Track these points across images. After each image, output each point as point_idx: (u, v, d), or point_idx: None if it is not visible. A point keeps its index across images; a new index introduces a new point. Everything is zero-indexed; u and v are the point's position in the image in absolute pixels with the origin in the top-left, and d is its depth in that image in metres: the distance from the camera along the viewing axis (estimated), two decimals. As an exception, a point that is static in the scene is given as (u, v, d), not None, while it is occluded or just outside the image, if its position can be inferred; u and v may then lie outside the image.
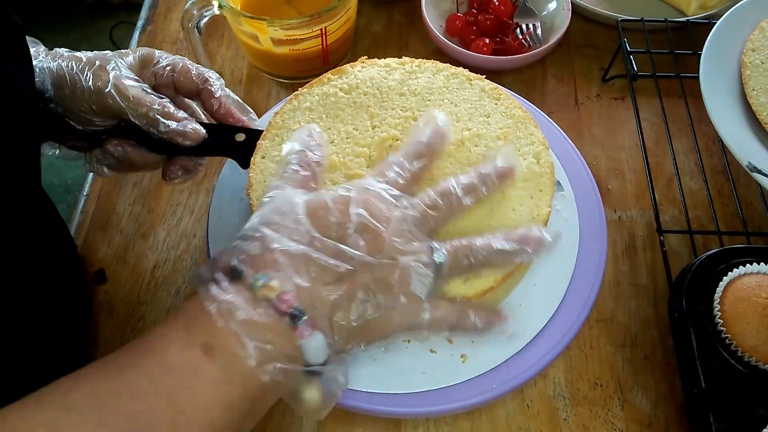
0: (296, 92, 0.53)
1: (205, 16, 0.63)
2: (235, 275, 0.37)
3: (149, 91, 0.48)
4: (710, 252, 0.52)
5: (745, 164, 0.54)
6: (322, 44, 0.65)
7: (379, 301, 0.39)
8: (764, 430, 0.44)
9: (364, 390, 0.46)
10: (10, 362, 0.47)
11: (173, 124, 0.47)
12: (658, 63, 0.65)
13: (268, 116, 0.58)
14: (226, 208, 0.55)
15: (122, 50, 0.50)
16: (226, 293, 0.36)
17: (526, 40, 0.71)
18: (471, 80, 0.53)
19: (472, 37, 0.71)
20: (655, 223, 0.57)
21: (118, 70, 0.47)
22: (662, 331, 0.55)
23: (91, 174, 0.65)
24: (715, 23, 0.62)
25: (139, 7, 0.80)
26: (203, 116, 0.52)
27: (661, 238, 0.56)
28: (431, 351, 0.47)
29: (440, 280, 0.40)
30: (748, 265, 0.49)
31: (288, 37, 0.63)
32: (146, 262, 0.59)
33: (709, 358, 0.47)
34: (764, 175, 0.53)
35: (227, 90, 0.52)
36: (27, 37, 0.48)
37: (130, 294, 0.57)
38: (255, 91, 0.71)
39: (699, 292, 0.50)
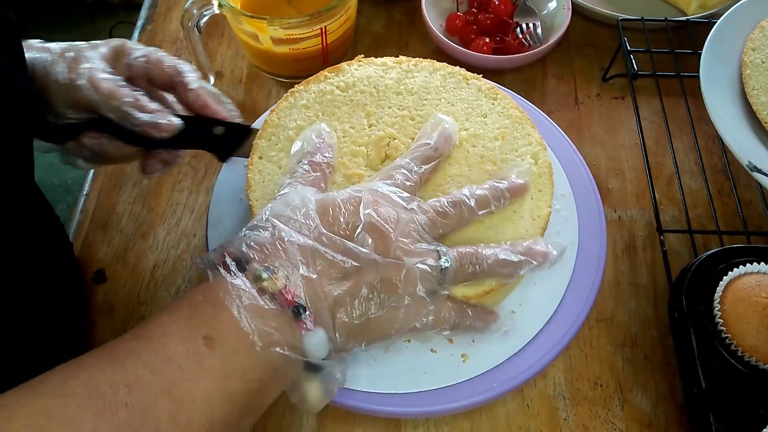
0: (292, 89, 0.53)
1: (205, 16, 0.62)
2: (242, 261, 0.38)
3: (123, 84, 0.47)
4: (710, 251, 0.52)
5: (745, 163, 0.54)
6: (322, 43, 0.65)
7: (383, 301, 0.39)
8: (764, 430, 0.44)
9: (365, 390, 0.46)
10: (10, 362, 0.47)
11: (146, 117, 0.46)
12: (659, 62, 0.65)
13: (266, 117, 0.58)
14: (226, 207, 0.55)
15: (95, 41, 0.49)
16: (234, 277, 0.37)
17: (526, 39, 0.71)
18: (468, 79, 0.53)
19: (472, 36, 0.71)
20: (655, 222, 0.57)
21: (92, 62, 0.46)
22: (662, 331, 0.54)
23: (91, 174, 0.65)
24: (716, 22, 0.62)
25: (139, 6, 0.80)
26: (179, 108, 0.51)
27: (661, 237, 0.56)
28: (432, 350, 0.47)
29: (445, 284, 0.41)
30: (748, 264, 0.49)
31: (288, 37, 0.63)
32: (146, 262, 0.59)
33: (709, 357, 0.47)
34: (764, 174, 0.53)
35: (203, 82, 0.51)
36: None
37: (130, 294, 0.57)
38: (255, 91, 0.71)
39: (699, 291, 0.50)
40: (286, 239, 0.38)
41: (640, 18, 0.68)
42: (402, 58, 0.55)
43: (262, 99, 0.70)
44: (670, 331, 0.53)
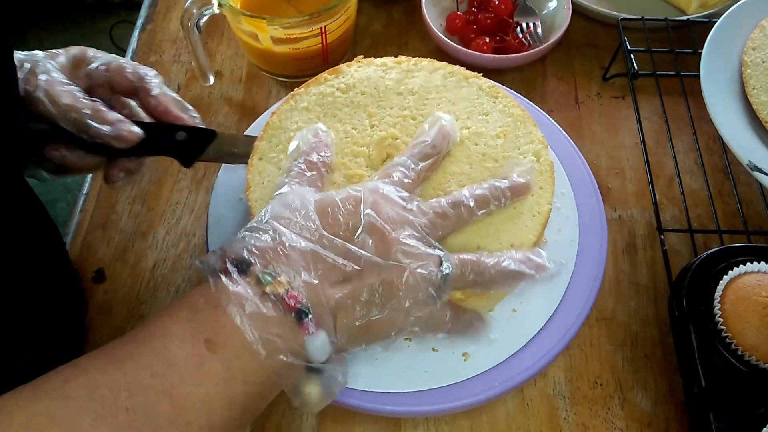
0: (293, 92, 0.53)
1: (204, 15, 0.62)
2: (243, 267, 0.37)
3: (80, 94, 0.45)
4: (710, 251, 0.52)
5: (745, 163, 0.54)
6: (322, 43, 0.65)
7: (384, 303, 0.39)
8: (764, 429, 0.44)
9: (365, 389, 0.46)
10: (10, 362, 0.47)
11: (106, 128, 0.45)
12: (659, 62, 0.65)
13: (265, 117, 0.58)
14: (225, 207, 0.55)
15: (53, 50, 0.48)
16: (236, 285, 0.36)
17: (526, 38, 0.71)
18: (468, 78, 0.53)
19: (472, 35, 0.71)
20: (656, 221, 0.57)
21: (49, 74, 0.45)
22: (662, 330, 0.54)
23: (90, 173, 0.65)
24: (716, 22, 0.62)
25: (138, 6, 0.80)
26: (142, 115, 0.50)
27: (662, 236, 0.56)
28: (433, 349, 0.47)
29: (445, 290, 0.41)
30: (748, 263, 0.49)
31: (288, 36, 0.63)
32: (146, 261, 0.59)
33: (709, 357, 0.47)
34: (765, 173, 0.53)
35: (165, 87, 0.50)
36: None
37: (130, 293, 0.57)
38: (255, 90, 0.71)
39: (699, 291, 0.50)
40: (287, 243, 0.38)
41: (640, 17, 0.68)
42: (401, 57, 0.55)
43: (262, 98, 0.70)
44: (670, 330, 0.53)
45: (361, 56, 0.55)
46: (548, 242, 0.52)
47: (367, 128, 0.50)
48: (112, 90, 0.50)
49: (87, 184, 0.64)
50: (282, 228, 0.39)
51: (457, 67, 0.54)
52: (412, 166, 0.45)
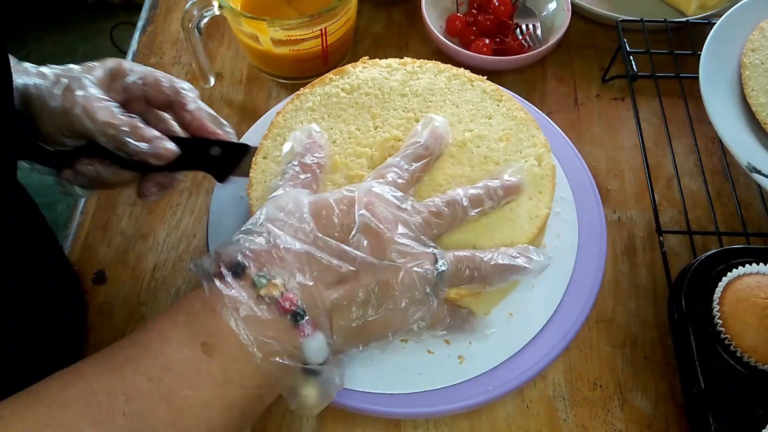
0: (298, 92, 0.53)
1: (205, 17, 0.63)
2: (238, 270, 0.37)
3: (118, 111, 0.45)
4: (710, 252, 0.52)
5: (744, 165, 0.54)
6: (322, 44, 0.65)
7: (380, 303, 0.39)
8: (764, 430, 0.44)
9: (365, 390, 0.46)
10: (10, 363, 0.47)
11: (143, 146, 0.45)
12: (658, 63, 0.65)
13: (269, 115, 0.58)
14: (226, 208, 0.55)
15: (90, 63, 0.48)
16: (230, 289, 0.36)
17: (525, 40, 0.71)
18: (472, 81, 0.53)
19: (472, 37, 0.71)
20: (655, 223, 0.57)
21: (86, 90, 0.45)
22: (662, 332, 0.55)
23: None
24: (715, 23, 0.62)
25: (139, 7, 0.80)
26: (177, 129, 0.50)
27: (661, 238, 0.56)
28: (429, 351, 0.47)
29: (441, 287, 0.41)
30: (747, 265, 0.49)
31: (288, 38, 0.63)
32: (146, 263, 0.59)
33: (708, 358, 0.47)
34: (764, 175, 0.53)
35: (200, 102, 0.50)
36: None
37: (130, 294, 0.57)
38: (255, 92, 0.71)
39: (698, 292, 0.50)
40: (281, 246, 0.38)
41: (639, 19, 0.68)
42: (407, 59, 0.55)
43: (263, 100, 0.71)
44: (669, 332, 0.53)
45: (366, 57, 0.55)
46: (547, 247, 0.52)
47: (371, 129, 0.51)
48: (147, 103, 0.50)
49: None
50: (276, 230, 0.39)
51: (461, 69, 0.54)
52: (406, 166, 0.45)
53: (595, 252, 0.52)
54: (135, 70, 0.49)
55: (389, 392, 0.46)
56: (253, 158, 0.50)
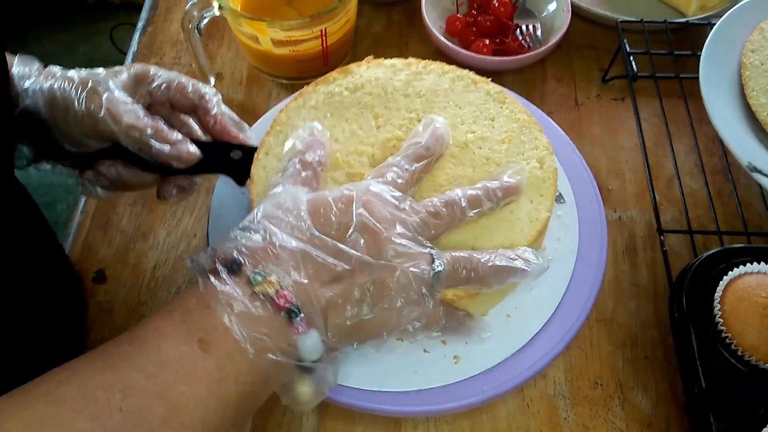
0: (301, 90, 0.53)
1: (205, 18, 0.63)
2: (234, 267, 0.37)
3: (142, 113, 0.46)
4: (710, 252, 0.52)
5: (745, 164, 0.54)
6: (322, 45, 0.65)
7: (376, 302, 0.39)
8: (764, 429, 0.44)
9: (360, 387, 0.46)
10: (10, 362, 0.47)
11: (167, 148, 0.46)
12: (658, 64, 0.65)
13: (270, 115, 0.58)
14: (226, 208, 0.55)
15: (116, 68, 0.49)
16: (224, 285, 0.36)
17: (525, 41, 0.71)
18: (476, 83, 0.53)
19: (472, 38, 0.71)
20: (656, 223, 0.57)
21: (111, 93, 0.46)
22: (662, 331, 0.55)
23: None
24: (715, 24, 0.62)
25: (139, 8, 0.80)
26: (199, 133, 0.51)
27: (662, 238, 0.56)
28: (425, 351, 0.47)
29: (437, 288, 0.41)
30: (748, 264, 0.49)
31: (288, 38, 0.63)
32: (146, 262, 0.59)
33: (709, 357, 0.47)
34: (764, 175, 0.53)
35: (223, 106, 0.51)
36: (21, 55, 0.48)
37: (131, 294, 0.57)
38: (255, 92, 0.71)
39: (699, 291, 0.50)
40: (277, 243, 0.38)
41: (639, 20, 0.68)
42: (411, 59, 0.55)
43: (263, 100, 0.71)
44: (670, 331, 0.53)
45: (371, 56, 0.55)
46: (547, 249, 0.52)
47: (373, 129, 0.51)
48: (171, 107, 0.50)
49: (88, 186, 0.64)
50: (273, 228, 0.39)
51: (466, 71, 0.54)
52: (406, 166, 0.45)
53: (596, 251, 0.52)
54: (160, 75, 0.49)
55: (385, 390, 0.46)
56: (255, 154, 0.50)
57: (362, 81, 0.53)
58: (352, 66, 0.54)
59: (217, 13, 0.63)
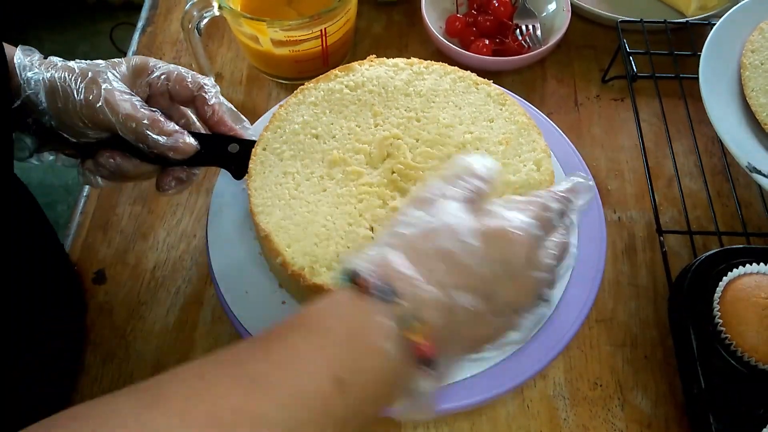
0: (302, 86, 0.53)
1: (205, 17, 0.63)
2: (388, 294, 0.34)
3: (140, 104, 0.47)
4: (710, 252, 0.52)
5: (744, 165, 0.54)
6: (322, 45, 0.65)
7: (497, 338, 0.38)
8: (764, 430, 0.44)
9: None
10: (10, 363, 0.47)
11: (163, 139, 0.46)
12: (658, 64, 0.65)
13: (269, 115, 0.58)
14: (226, 208, 0.55)
15: (116, 60, 0.49)
16: (383, 319, 0.33)
17: (525, 41, 0.71)
18: (478, 84, 0.54)
19: (472, 38, 0.71)
20: (655, 223, 0.57)
21: (110, 84, 0.46)
22: (662, 332, 0.55)
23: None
24: (715, 24, 0.62)
25: (139, 8, 0.80)
26: (198, 124, 0.51)
27: (661, 238, 0.56)
28: None
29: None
30: (747, 265, 0.49)
31: (288, 38, 0.63)
32: (146, 263, 0.59)
33: (708, 358, 0.47)
34: (764, 175, 0.53)
35: (221, 98, 0.51)
36: (22, 46, 0.48)
37: (130, 294, 0.57)
38: (255, 92, 0.71)
39: (699, 292, 0.50)
40: (452, 293, 0.34)
41: (639, 20, 0.68)
42: (414, 59, 0.55)
43: (262, 100, 0.71)
44: (669, 332, 0.53)
45: (374, 55, 0.55)
46: None
47: (371, 127, 0.51)
48: (171, 99, 0.51)
49: (87, 187, 0.64)
50: (439, 262, 0.35)
51: (467, 72, 0.54)
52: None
53: (596, 252, 0.52)
54: (160, 67, 0.50)
55: None
56: (253, 149, 0.50)
57: (363, 79, 0.53)
58: (354, 64, 0.54)
59: (217, 13, 0.63)
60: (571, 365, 0.53)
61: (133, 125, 0.46)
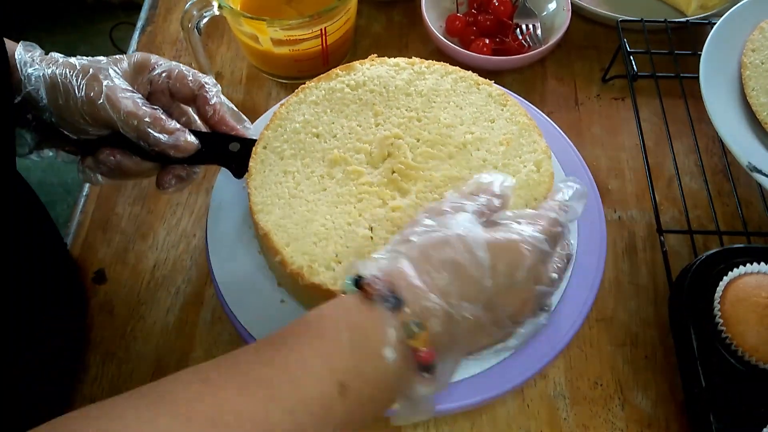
0: (303, 85, 0.53)
1: (204, 17, 0.63)
2: (393, 302, 0.34)
3: (141, 102, 0.47)
4: (710, 252, 0.52)
5: (745, 164, 0.54)
6: (322, 44, 0.65)
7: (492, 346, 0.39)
8: (764, 429, 0.44)
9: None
10: (10, 362, 0.47)
11: (164, 137, 0.46)
12: (658, 63, 0.65)
13: (269, 114, 0.58)
14: (226, 208, 0.55)
15: (117, 56, 0.49)
16: (388, 327, 0.34)
17: (526, 40, 0.71)
18: (479, 85, 0.53)
19: (472, 37, 0.71)
20: (656, 223, 0.57)
21: (111, 80, 0.46)
22: (662, 331, 0.54)
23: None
24: (715, 23, 0.62)
25: (138, 7, 0.80)
26: (198, 123, 0.51)
27: (662, 238, 0.56)
28: None
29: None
30: (748, 264, 0.49)
31: (288, 38, 0.63)
32: (146, 262, 0.59)
33: (709, 357, 0.47)
34: (764, 174, 0.53)
35: (222, 97, 0.51)
36: (23, 42, 0.48)
37: (130, 294, 0.57)
38: (255, 92, 0.71)
39: (699, 291, 0.50)
40: (456, 306, 0.35)
41: (639, 19, 0.68)
42: (415, 59, 0.55)
43: (262, 100, 0.71)
44: (670, 331, 0.53)
45: (375, 55, 0.55)
46: None
47: (372, 126, 0.51)
48: (171, 97, 0.50)
49: (87, 186, 0.64)
50: (444, 273, 0.35)
51: (469, 72, 0.54)
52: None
53: (596, 251, 0.52)
54: (161, 64, 0.50)
55: None
56: (254, 148, 0.50)
57: (364, 78, 0.53)
58: (356, 63, 0.54)
59: (217, 13, 0.62)
60: (572, 365, 0.53)
61: (135, 123, 0.46)
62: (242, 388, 0.31)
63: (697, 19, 0.70)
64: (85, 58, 0.48)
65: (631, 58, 0.64)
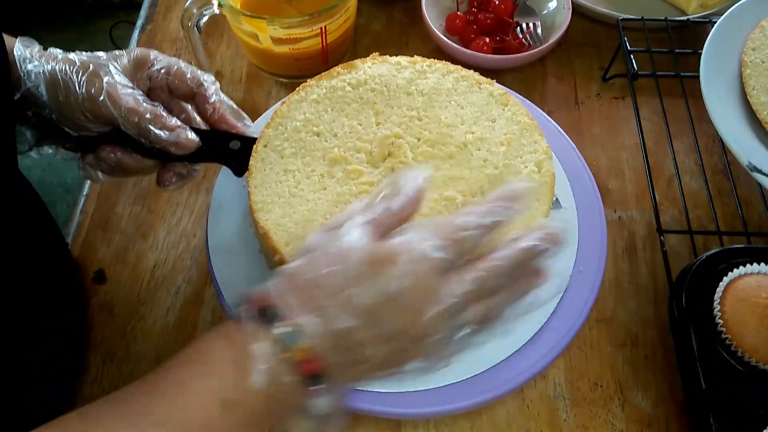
0: (304, 84, 0.53)
1: (204, 15, 0.62)
2: (270, 316, 0.35)
3: (142, 98, 0.46)
4: (710, 252, 0.52)
5: (745, 164, 0.54)
6: (322, 43, 0.65)
7: (402, 362, 0.37)
8: (765, 430, 0.44)
9: (364, 390, 0.46)
10: (10, 362, 0.47)
11: (165, 134, 0.46)
12: (659, 62, 0.65)
13: (270, 113, 0.58)
14: (226, 207, 0.55)
15: (116, 52, 0.49)
16: (259, 344, 0.34)
17: (526, 39, 0.71)
18: (480, 84, 0.53)
19: (472, 36, 0.71)
20: (656, 222, 0.57)
21: (111, 77, 0.46)
22: (662, 331, 0.54)
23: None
24: (716, 22, 0.62)
25: (138, 6, 0.80)
26: (198, 120, 0.51)
27: (662, 238, 0.56)
28: None
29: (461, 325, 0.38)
30: (748, 265, 0.49)
31: (288, 36, 0.63)
32: (146, 262, 0.59)
33: (709, 358, 0.47)
34: (764, 174, 0.53)
35: (222, 95, 0.51)
36: (21, 37, 0.47)
37: (130, 294, 0.57)
38: (255, 90, 0.71)
39: (699, 292, 0.50)
40: (321, 293, 0.35)
41: (640, 18, 0.68)
42: (417, 58, 0.55)
43: (262, 98, 0.70)
44: (670, 332, 0.53)
45: (376, 53, 0.55)
46: None
47: (373, 125, 0.51)
48: (170, 93, 0.50)
49: (87, 185, 0.64)
50: (322, 276, 0.36)
51: (470, 71, 0.54)
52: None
53: (596, 251, 0.52)
54: (160, 60, 0.50)
55: (385, 391, 0.46)
56: (254, 146, 0.50)
57: (365, 77, 0.53)
58: (357, 62, 0.54)
59: (217, 11, 0.62)
60: (572, 365, 0.53)
61: (136, 119, 0.45)
62: (119, 419, 0.32)
63: (697, 17, 0.70)
64: (84, 53, 0.48)
65: (632, 56, 0.64)
